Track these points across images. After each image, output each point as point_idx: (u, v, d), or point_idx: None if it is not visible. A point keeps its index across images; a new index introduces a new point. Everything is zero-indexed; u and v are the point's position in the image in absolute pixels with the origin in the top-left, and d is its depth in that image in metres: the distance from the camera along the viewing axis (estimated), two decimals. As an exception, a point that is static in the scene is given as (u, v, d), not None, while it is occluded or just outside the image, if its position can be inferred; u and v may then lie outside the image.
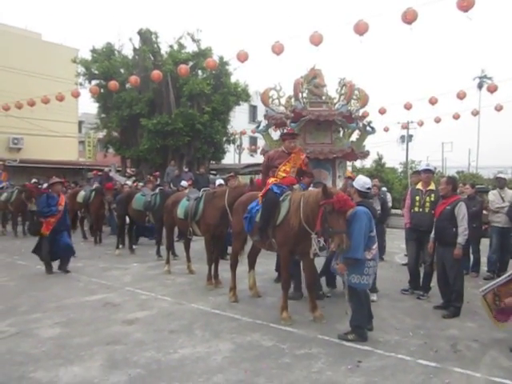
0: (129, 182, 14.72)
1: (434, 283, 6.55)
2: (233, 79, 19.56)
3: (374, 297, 6.27)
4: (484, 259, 8.52)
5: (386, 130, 21.34)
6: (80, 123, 30.15)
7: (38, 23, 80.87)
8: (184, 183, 11.71)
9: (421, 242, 6.73)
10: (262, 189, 6.10)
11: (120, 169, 21.00)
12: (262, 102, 12.25)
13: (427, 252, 6.48)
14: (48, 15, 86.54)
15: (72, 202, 12.23)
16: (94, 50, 19.52)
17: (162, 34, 29.32)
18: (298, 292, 6.55)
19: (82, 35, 76.43)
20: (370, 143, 12.92)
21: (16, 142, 23.61)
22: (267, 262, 7.76)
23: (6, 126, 21.38)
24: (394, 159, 29.64)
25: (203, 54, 18.49)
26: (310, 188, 6.03)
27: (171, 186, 13.48)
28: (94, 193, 12.14)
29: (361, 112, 12.41)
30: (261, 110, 26.32)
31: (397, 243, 11.34)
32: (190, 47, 19.18)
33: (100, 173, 16.64)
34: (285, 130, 7.47)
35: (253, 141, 33.58)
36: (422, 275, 6.88)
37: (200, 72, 19.16)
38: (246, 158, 30.70)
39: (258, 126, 12.49)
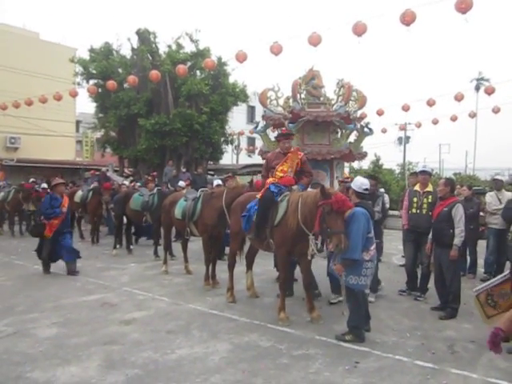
0: (126, 182, 14.69)
1: (431, 284, 6.56)
2: (231, 80, 19.58)
3: (372, 298, 6.28)
4: (481, 261, 8.54)
5: (384, 131, 21.39)
6: (78, 123, 30.07)
7: (36, 22, 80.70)
8: (182, 183, 11.70)
9: (418, 243, 6.74)
10: (261, 190, 6.12)
11: (117, 169, 20.98)
12: (260, 103, 12.26)
13: (424, 253, 6.49)
14: (46, 14, 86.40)
15: (69, 201, 12.18)
16: (92, 50, 19.49)
17: (161, 34, 29.27)
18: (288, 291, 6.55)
19: (80, 35, 76.43)
20: (367, 144, 12.96)
21: (13, 141, 23.54)
22: (265, 263, 7.77)
23: (3, 125, 21.34)
24: (391, 160, 29.63)
25: (201, 54, 18.50)
26: (309, 189, 6.03)
27: (169, 186, 13.47)
28: (91, 193, 12.12)
29: (359, 113, 12.44)
30: (259, 111, 26.31)
31: (394, 244, 11.36)
32: (189, 47, 19.21)
33: (97, 172, 16.62)
34: (280, 131, 7.47)
35: (251, 141, 33.61)
36: (419, 276, 6.90)
37: (198, 72, 19.17)
38: (244, 159, 30.72)
39: (256, 127, 12.52)
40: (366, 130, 11.89)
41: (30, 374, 4.04)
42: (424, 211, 6.62)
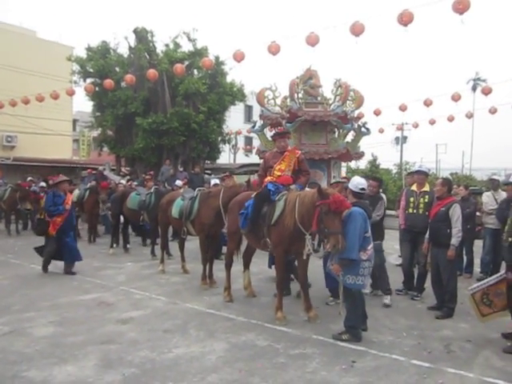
0: (123, 181, 14.67)
1: (427, 284, 6.58)
2: (228, 79, 19.56)
3: (387, 300, 6.28)
4: (477, 260, 8.57)
5: (381, 131, 21.45)
6: (74, 121, 30.00)
7: (33, 20, 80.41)
8: (179, 182, 11.70)
9: (415, 243, 6.76)
10: (258, 189, 6.13)
11: (114, 168, 20.93)
12: (258, 102, 12.30)
13: (421, 253, 6.51)
14: (43, 12, 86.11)
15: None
16: (89, 48, 19.41)
17: (158, 32, 29.31)
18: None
19: (77, 33, 76.09)
20: (364, 144, 13.02)
21: (9, 139, 23.42)
22: (262, 262, 7.76)
23: (-1, 123, 21.27)
24: (388, 160, 29.76)
25: (199, 53, 18.46)
26: (306, 188, 6.04)
27: (166, 185, 13.46)
28: (88, 192, 12.09)
29: (356, 113, 12.49)
30: (256, 110, 26.37)
31: (391, 244, 11.36)
32: (186, 46, 19.17)
33: (94, 171, 16.58)
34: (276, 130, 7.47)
35: (248, 141, 33.60)
36: (416, 276, 6.92)
37: (196, 71, 19.13)
38: (241, 158, 30.69)
39: (253, 126, 12.54)
40: (363, 129, 11.94)
41: (27, 373, 4.03)
42: (420, 211, 6.63)
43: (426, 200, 6.62)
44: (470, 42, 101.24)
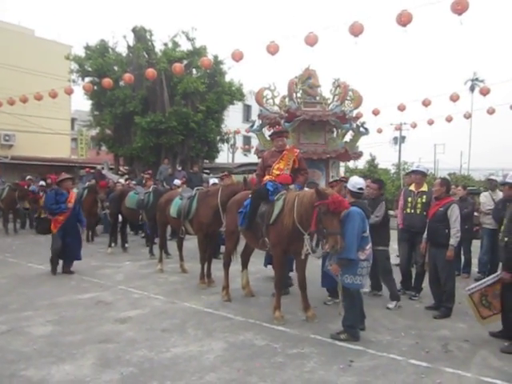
0: (121, 180, 14.66)
1: (425, 284, 6.59)
2: (227, 78, 19.57)
3: (391, 305, 6.21)
4: (475, 260, 8.58)
5: (380, 131, 21.47)
6: (73, 120, 29.95)
7: (31, 19, 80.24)
8: (177, 182, 11.68)
9: (413, 242, 6.77)
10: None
11: (113, 167, 20.91)
12: (257, 102, 12.29)
13: (419, 253, 6.52)
14: (41, 11, 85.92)
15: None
16: (87, 47, 19.39)
17: (157, 31, 29.14)
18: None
19: (75, 32, 76.03)
20: (363, 144, 13.02)
21: (7, 138, 23.39)
22: (260, 262, 7.76)
23: (-3, 122, 21.23)
24: (386, 160, 29.75)
25: (198, 52, 18.46)
26: (305, 188, 6.05)
27: (164, 184, 13.45)
28: (86, 191, 12.07)
29: (354, 113, 12.49)
30: (255, 110, 26.38)
31: (390, 244, 11.39)
32: (185, 46, 19.16)
33: (92, 170, 16.56)
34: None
35: (246, 140, 33.59)
36: (413, 276, 6.93)
37: (194, 71, 19.13)
38: (240, 158, 30.70)
39: (251, 126, 12.55)
40: (361, 129, 11.95)
41: (25, 372, 4.02)
42: (418, 211, 6.64)
43: (424, 200, 6.63)
44: (468, 43, 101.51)
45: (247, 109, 35.61)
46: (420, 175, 6.86)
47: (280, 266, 5.72)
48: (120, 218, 10.65)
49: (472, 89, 42.69)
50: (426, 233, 6.20)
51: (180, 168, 17.61)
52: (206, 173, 20.27)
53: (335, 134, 12.16)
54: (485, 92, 14.39)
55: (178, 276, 7.99)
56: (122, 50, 19.57)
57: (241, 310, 5.96)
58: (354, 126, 12.00)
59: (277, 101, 11.99)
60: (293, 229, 5.29)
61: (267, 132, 12.55)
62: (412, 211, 6.72)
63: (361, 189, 5.29)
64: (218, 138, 20.26)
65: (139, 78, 16.02)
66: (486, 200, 8.49)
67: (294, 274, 6.61)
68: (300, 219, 5.20)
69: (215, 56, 18.12)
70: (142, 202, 9.95)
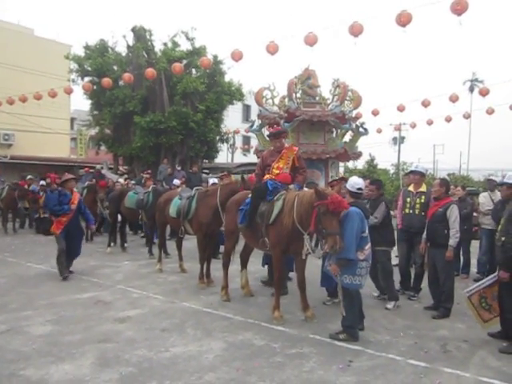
0: (121, 180, 14.66)
1: (424, 284, 6.60)
2: (227, 78, 19.59)
3: (390, 305, 6.18)
4: (474, 261, 8.59)
5: (379, 131, 21.47)
6: (72, 120, 29.92)
7: (30, 19, 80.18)
8: (176, 182, 11.69)
9: (411, 243, 6.77)
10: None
11: (112, 166, 20.91)
12: (256, 102, 12.28)
13: (418, 253, 6.53)
14: (41, 11, 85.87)
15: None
16: (87, 47, 19.41)
17: (156, 31, 29.27)
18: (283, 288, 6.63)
19: (75, 31, 75.96)
20: (362, 144, 13.02)
21: (7, 137, 23.36)
22: (259, 262, 7.77)
23: (-4, 121, 21.20)
24: (386, 160, 29.81)
25: (197, 52, 18.48)
26: (304, 188, 6.05)
27: (163, 184, 13.46)
28: (86, 190, 12.07)
29: (354, 113, 12.48)
30: (254, 110, 26.35)
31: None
32: (184, 45, 19.19)
33: (92, 170, 16.55)
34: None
35: (246, 140, 33.57)
36: (412, 276, 6.94)
37: (194, 70, 19.14)
38: (239, 158, 30.70)
39: (251, 126, 12.54)
40: (361, 129, 11.95)
41: (24, 372, 4.03)
42: (417, 211, 6.65)
43: (423, 200, 6.63)
44: (467, 43, 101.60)
45: (247, 109, 35.60)
46: (418, 175, 6.86)
47: (279, 266, 5.71)
48: (119, 217, 10.65)
49: (471, 89, 42.70)
50: (425, 233, 6.21)
51: (179, 168, 17.60)
52: (206, 173, 20.28)
53: (335, 134, 12.16)
54: (484, 93, 14.39)
55: (178, 276, 7.99)
56: (122, 49, 19.63)
57: (240, 309, 5.96)
58: (354, 126, 12.00)
59: (276, 101, 11.98)
60: (292, 229, 5.29)
61: (267, 132, 12.57)
62: (411, 211, 6.73)
63: (360, 189, 5.30)
64: (218, 137, 20.27)
65: (139, 77, 16.03)
66: (485, 200, 8.49)
67: (293, 274, 6.63)
68: (300, 219, 5.21)
69: (215, 56, 18.13)
70: (141, 201, 9.95)
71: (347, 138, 12.17)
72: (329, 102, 11.88)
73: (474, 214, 8.80)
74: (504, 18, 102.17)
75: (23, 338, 4.85)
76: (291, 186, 5.83)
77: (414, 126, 21.13)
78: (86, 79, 18.96)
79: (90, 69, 18.81)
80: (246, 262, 6.75)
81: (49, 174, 14.16)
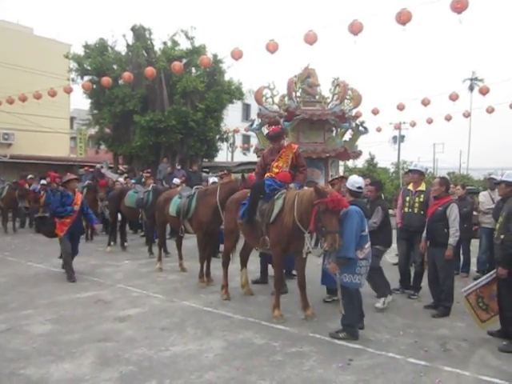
0: (121, 179, 14.65)
1: (424, 283, 6.60)
2: (226, 77, 19.56)
3: (378, 303, 6.06)
4: (474, 260, 8.59)
5: (379, 130, 21.46)
6: (72, 119, 29.92)
7: (30, 18, 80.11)
8: (176, 181, 11.68)
9: (411, 241, 6.77)
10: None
11: (112, 165, 20.90)
12: (256, 101, 12.30)
13: (417, 252, 6.53)
14: (40, 10, 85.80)
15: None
16: (86, 46, 19.38)
17: (156, 30, 29.24)
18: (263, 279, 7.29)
19: (74, 30, 75.89)
20: (362, 143, 13.04)
21: (6, 137, 23.35)
22: (259, 261, 7.77)
23: (-4, 121, 21.19)
24: (385, 159, 29.86)
25: (197, 51, 18.44)
26: (304, 187, 6.05)
27: (163, 183, 13.45)
28: (85, 189, 12.06)
29: (354, 112, 12.50)
30: (254, 109, 26.31)
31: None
32: (184, 44, 19.15)
33: (91, 169, 16.53)
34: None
35: (246, 139, 33.56)
36: (412, 275, 6.94)
37: (194, 69, 19.13)
38: (239, 157, 30.69)
39: (251, 125, 12.55)
40: (360, 128, 11.96)
41: (24, 371, 4.03)
42: (416, 210, 6.65)
43: (422, 199, 6.64)
44: (467, 42, 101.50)
45: (246, 108, 35.57)
46: (417, 174, 6.86)
47: (280, 265, 5.71)
48: (119, 216, 10.65)
49: (471, 88, 42.69)
50: (425, 232, 6.21)
51: (179, 167, 17.59)
52: (206, 172, 20.28)
53: (334, 133, 12.17)
54: (484, 91, 14.37)
55: (177, 275, 7.99)
56: (122, 48, 19.60)
57: (240, 308, 5.96)
58: (354, 125, 12.01)
59: (276, 100, 12.00)
60: (293, 227, 5.29)
61: (266, 131, 12.57)
62: (410, 210, 6.73)
63: (360, 188, 5.30)
64: (218, 136, 20.26)
65: (138, 76, 16.02)
66: (484, 199, 8.49)
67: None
68: (300, 217, 5.21)
69: (214, 55, 18.10)
70: (141, 200, 9.95)
71: (347, 136, 12.19)
72: (329, 100, 11.88)
73: (474, 212, 8.80)
74: (504, 17, 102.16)
75: (23, 337, 4.85)
76: (291, 185, 5.83)
77: (413, 124, 21.13)
78: (86, 78, 18.94)
79: (89, 68, 18.79)
80: (245, 260, 6.75)
81: (49, 173, 14.17)
